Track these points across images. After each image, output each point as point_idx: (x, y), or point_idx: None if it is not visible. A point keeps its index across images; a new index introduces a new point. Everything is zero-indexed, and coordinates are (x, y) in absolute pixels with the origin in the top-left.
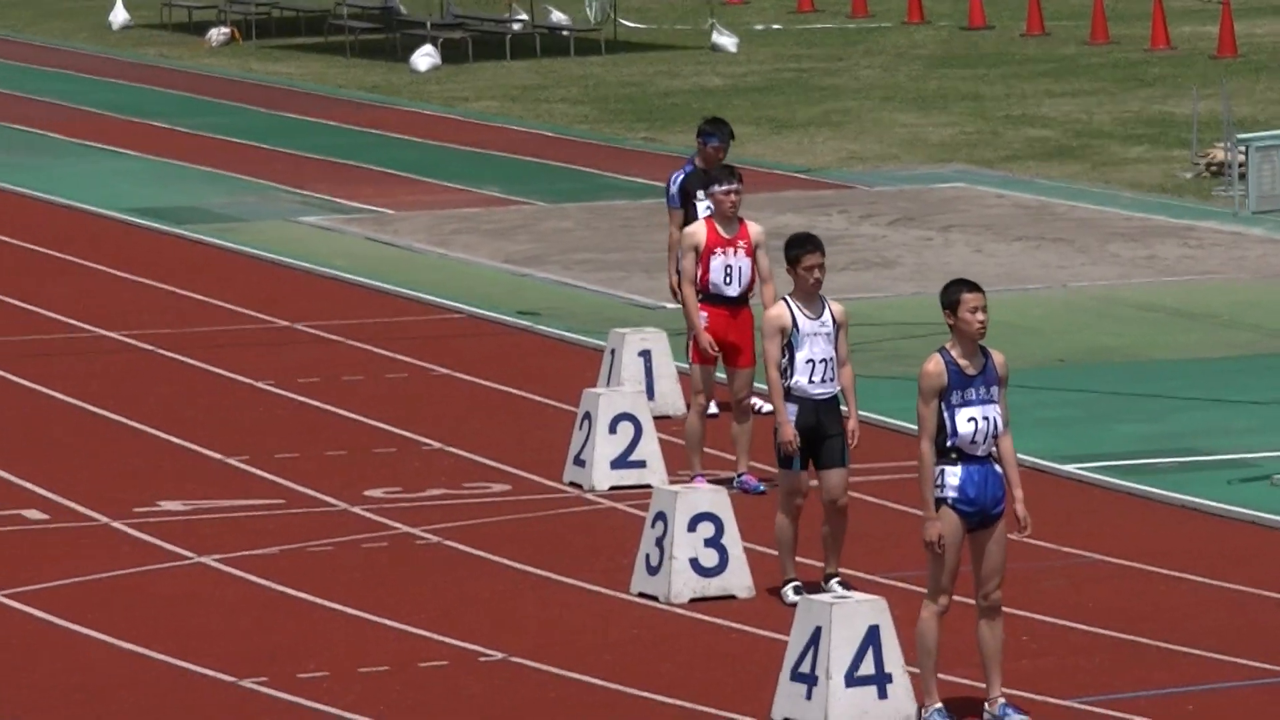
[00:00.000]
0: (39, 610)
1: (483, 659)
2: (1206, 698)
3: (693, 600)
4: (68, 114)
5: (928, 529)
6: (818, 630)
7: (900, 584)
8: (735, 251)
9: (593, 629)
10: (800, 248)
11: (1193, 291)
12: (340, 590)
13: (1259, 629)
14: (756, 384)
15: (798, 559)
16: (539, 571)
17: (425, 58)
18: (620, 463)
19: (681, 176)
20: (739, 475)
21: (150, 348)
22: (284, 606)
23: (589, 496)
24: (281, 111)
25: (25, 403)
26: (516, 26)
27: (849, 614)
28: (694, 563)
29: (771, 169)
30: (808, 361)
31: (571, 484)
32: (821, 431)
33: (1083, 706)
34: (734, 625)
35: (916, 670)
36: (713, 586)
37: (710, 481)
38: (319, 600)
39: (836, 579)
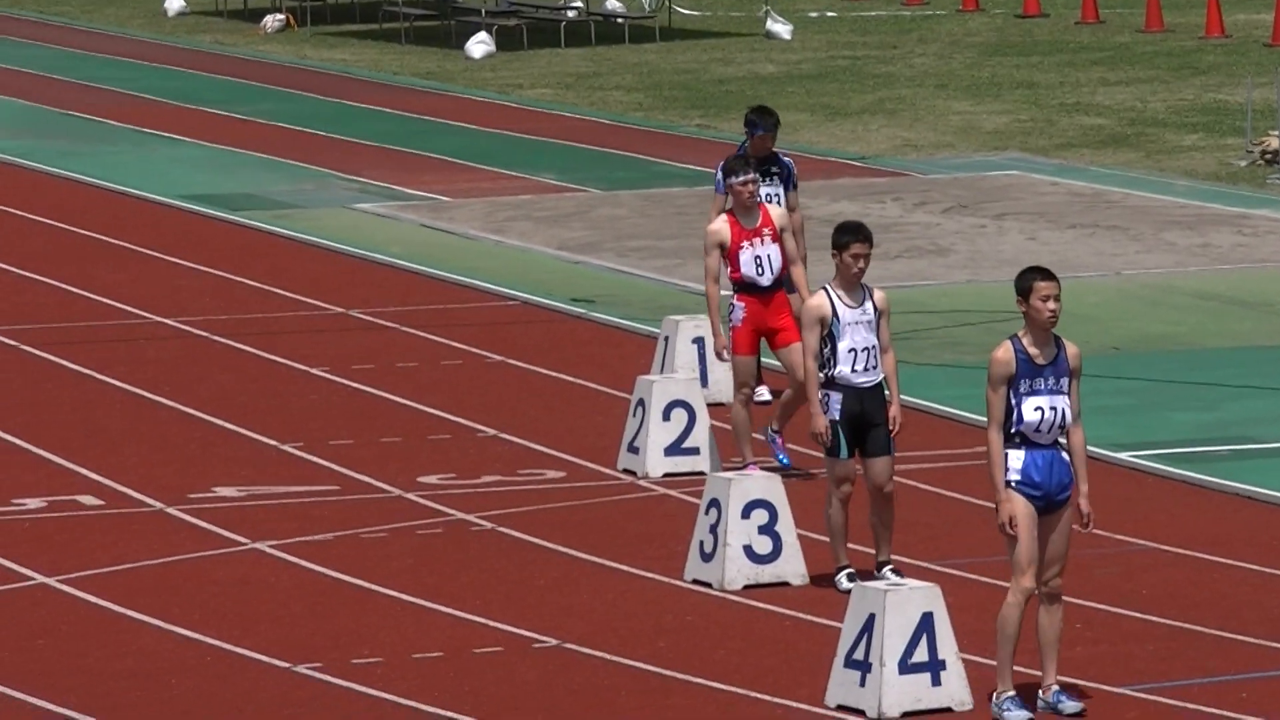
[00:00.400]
0: (93, 596)
1: (537, 645)
2: (1260, 685)
3: (746, 587)
4: (123, 101)
5: (1000, 511)
6: (871, 617)
7: (953, 571)
8: (762, 241)
9: (646, 616)
10: (848, 235)
11: (1247, 279)
12: (394, 576)
13: None
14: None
15: (850, 546)
16: (593, 558)
17: (480, 45)
18: (674, 450)
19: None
20: (772, 429)
21: (205, 334)
22: (338, 592)
23: (643, 483)
24: (337, 98)
25: (80, 389)
26: (571, 14)
27: (902, 601)
28: (748, 549)
29: (826, 156)
30: (850, 350)
31: (625, 471)
32: (866, 419)
33: (1136, 694)
34: (787, 612)
35: (970, 658)
36: (766, 573)
37: (763, 469)
38: (373, 586)
39: (889, 566)
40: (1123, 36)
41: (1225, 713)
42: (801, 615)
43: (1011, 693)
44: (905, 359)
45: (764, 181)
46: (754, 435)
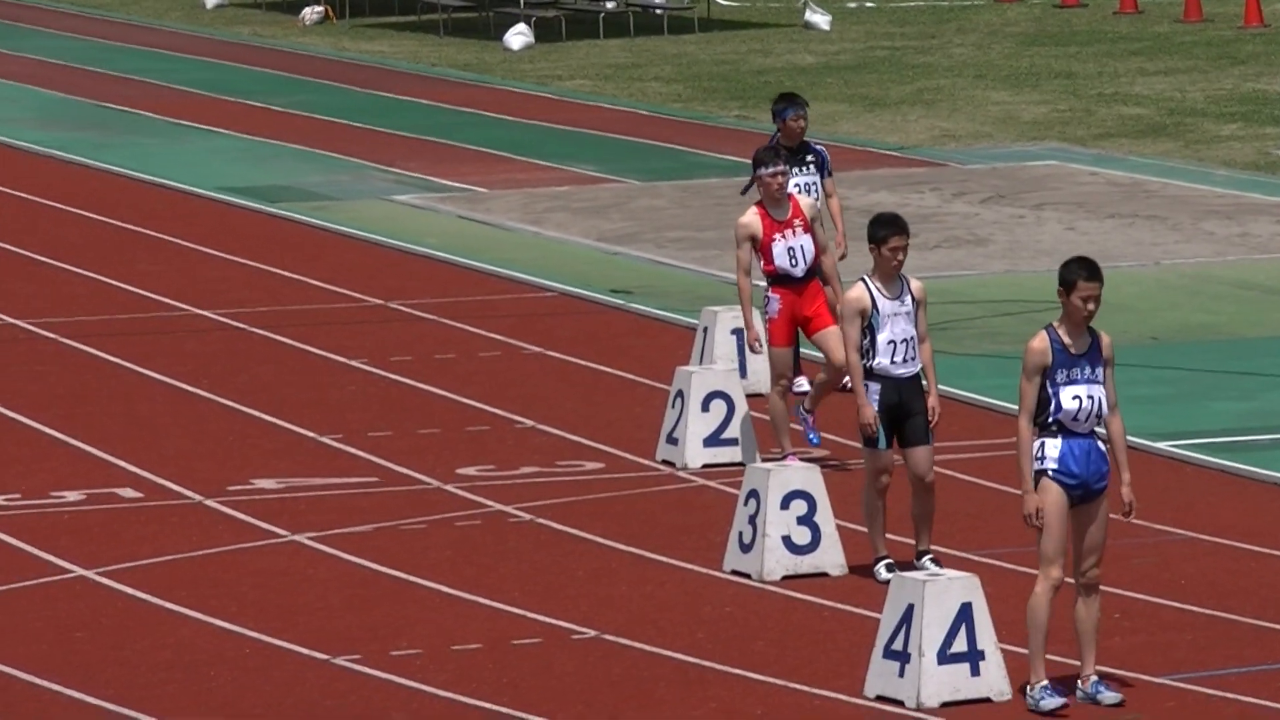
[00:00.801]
0: (132, 588)
1: (575, 636)
2: None
3: (785, 578)
4: (161, 93)
5: (1025, 502)
6: (910, 608)
7: (993, 561)
8: (794, 232)
9: (685, 606)
10: (887, 228)
11: None
12: (433, 568)
13: None
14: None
15: (889, 536)
16: (631, 549)
17: (518, 36)
18: (713, 441)
19: None
20: (804, 409)
21: (243, 326)
22: (377, 584)
23: (681, 474)
24: (375, 90)
25: (119, 381)
26: (610, 5)
27: (941, 591)
28: (786, 540)
29: (864, 147)
30: (889, 342)
31: (664, 462)
32: (905, 410)
33: (1174, 683)
34: (826, 603)
35: (1009, 648)
36: (805, 564)
37: (802, 460)
38: (412, 578)
39: (929, 556)
40: (1161, 26)
41: (1264, 702)
42: (840, 606)
43: (1045, 682)
44: (943, 349)
45: (800, 171)
46: (792, 426)
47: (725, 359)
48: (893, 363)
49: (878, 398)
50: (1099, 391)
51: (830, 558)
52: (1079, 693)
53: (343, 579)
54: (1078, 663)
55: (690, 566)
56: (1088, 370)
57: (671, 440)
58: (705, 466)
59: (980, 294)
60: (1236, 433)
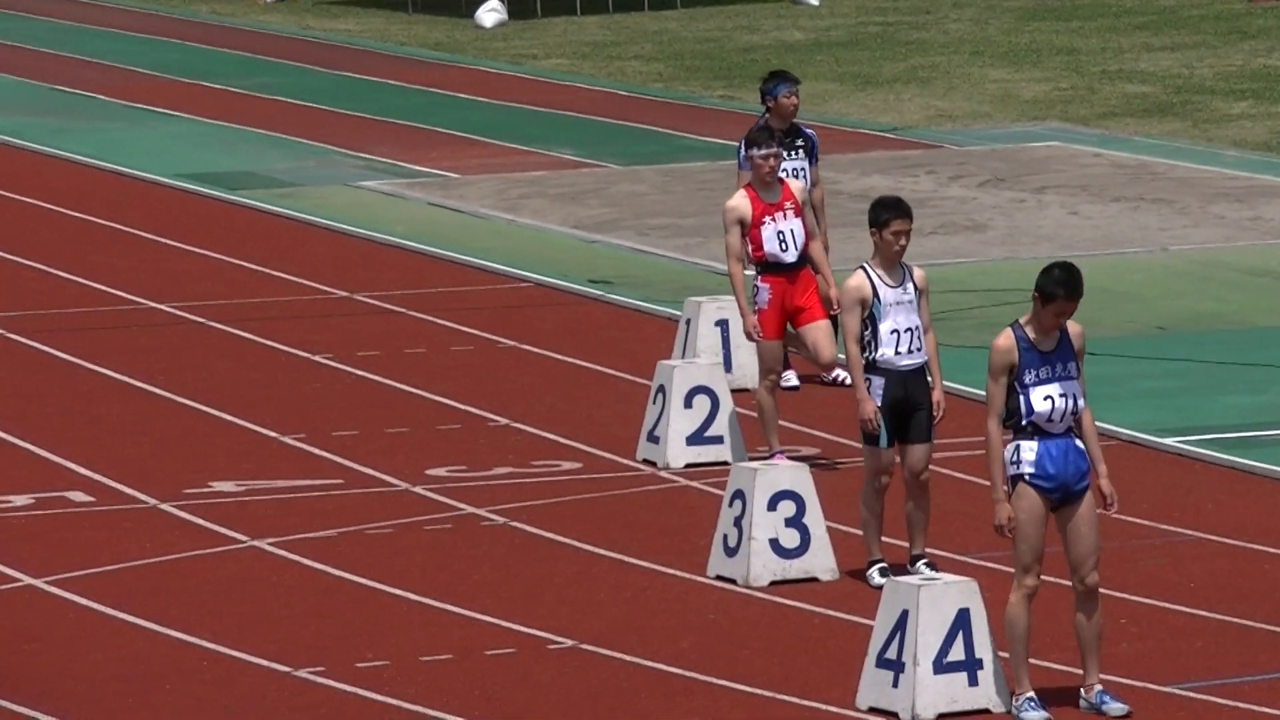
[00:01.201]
0: (83, 598)
1: (552, 646)
2: None
3: (773, 583)
4: (117, 75)
5: (997, 512)
6: (904, 614)
7: (991, 565)
8: (784, 215)
9: (668, 614)
10: (889, 211)
11: None
12: (402, 575)
13: None
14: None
15: (883, 539)
16: (611, 554)
17: (491, 13)
18: (696, 439)
19: None
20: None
21: (203, 320)
22: (342, 592)
23: (663, 474)
24: (341, 71)
25: (71, 378)
26: None
27: (937, 597)
28: (774, 543)
29: (856, 128)
30: (892, 332)
31: (645, 461)
32: (910, 404)
33: (1184, 693)
34: (816, 609)
35: (1008, 656)
36: (794, 568)
37: (790, 458)
38: (379, 585)
39: (924, 560)
40: None
41: (1279, 712)
42: (831, 612)
43: (1030, 694)
44: (940, 341)
45: (790, 155)
46: (782, 423)
47: (709, 352)
48: (897, 353)
49: (881, 393)
50: (1072, 388)
51: (820, 561)
52: (1083, 703)
53: (306, 587)
54: (1071, 669)
55: (673, 572)
56: (1059, 367)
57: (653, 438)
58: (688, 466)
59: (979, 282)
60: (1248, 428)
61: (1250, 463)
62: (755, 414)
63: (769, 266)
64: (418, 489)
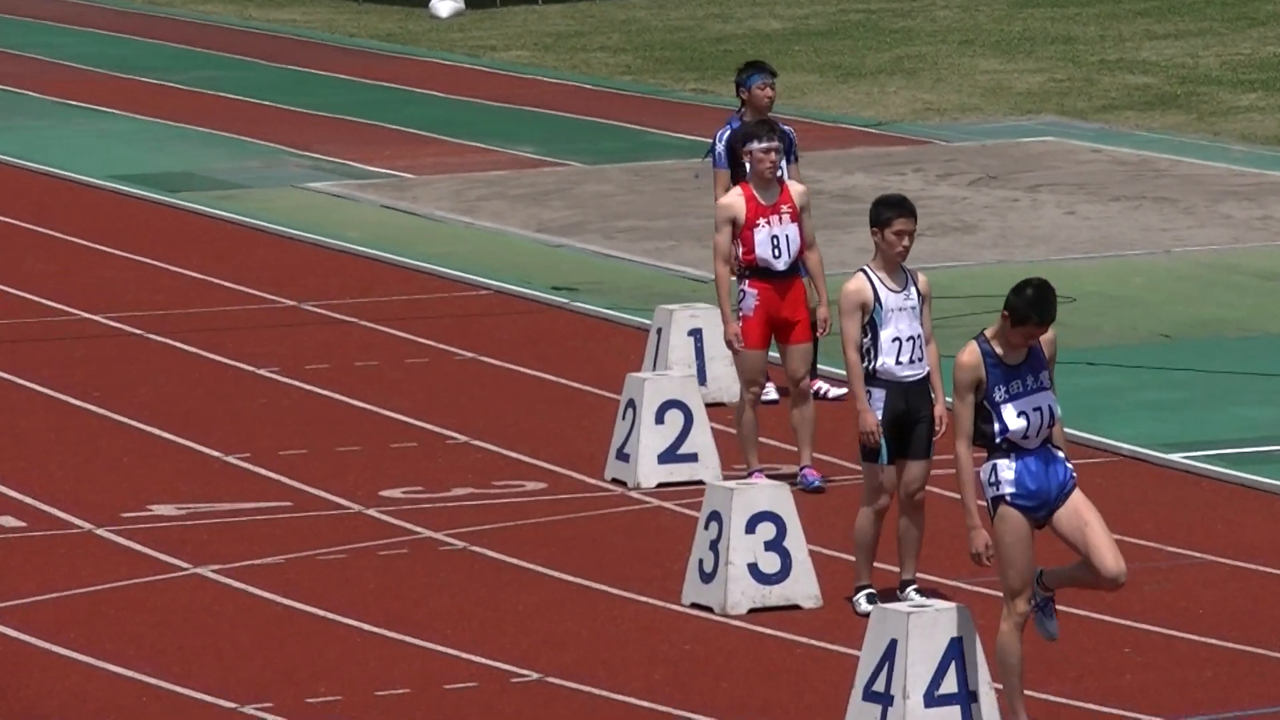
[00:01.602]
0: (14, 629)
1: (515, 679)
2: None
3: (752, 611)
4: (45, 69)
5: (973, 539)
6: (893, 644)
7: (986, 590)
8: (780, 219)
9: (639, 644)
10: (891, 210)
11: None
12: (354, 603)
13: None
14: (824, 366)
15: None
16: (578, 580)
17: (447, 2)
18: (669, 456)
19: (728, 132)
20: (800, 469)
21: (139, 332)
22: (291, 622)
23: (634, 495)
24: (286, 64)
25: None
26: None
27: (928, 625)
28: (753, 569)
29: (837, 123)
30: (894, 340)
31: (614, 481)
32: (911, 417)
33: None
34: (798, 639)
35: (1001, 688)
36: (774, 595)
37: (770, 477)
38: (330, 615)
39: (914, 586)
40: None
41: None
42: (814, 642)
43: None
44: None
45: None
46: (761, 440)
47: (682, 364)
48: (898, 363)
49: (882, 405)
50: (1047, 400)
51: (802, 588)
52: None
53: (252, 616)
54: (1070, 701)
55: (645, 599)
56: (1030, 380)
57: (622, 456)
58: (660, 485)
59: (969, 287)
60: (1259, 442)
61: (1261, 479)
62: (733, 430)
63: (758, 272)
64: (371, 511)
